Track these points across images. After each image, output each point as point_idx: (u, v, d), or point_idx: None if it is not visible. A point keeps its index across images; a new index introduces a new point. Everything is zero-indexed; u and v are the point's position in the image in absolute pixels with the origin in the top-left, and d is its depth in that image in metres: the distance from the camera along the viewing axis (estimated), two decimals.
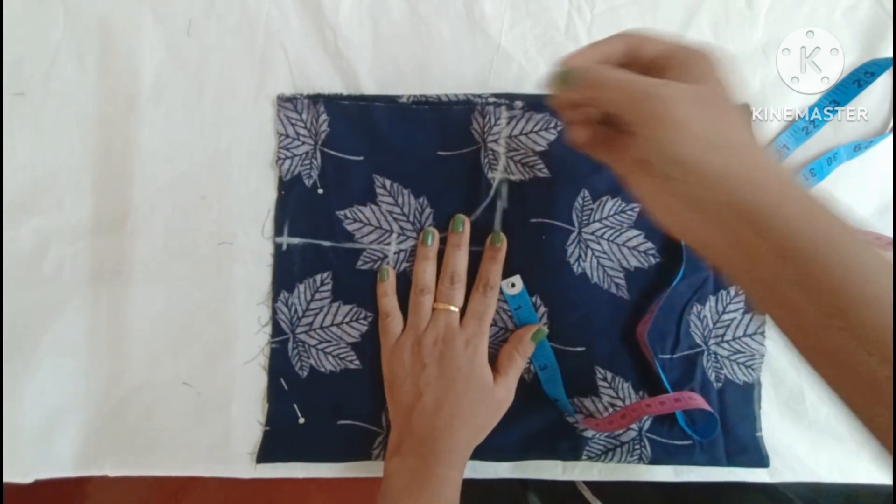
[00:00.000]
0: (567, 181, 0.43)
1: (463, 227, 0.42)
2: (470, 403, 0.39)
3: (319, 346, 0.43)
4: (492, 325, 0.42)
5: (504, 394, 0.41)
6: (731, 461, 0.42)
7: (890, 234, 0.43)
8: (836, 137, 0.44)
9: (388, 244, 0.43)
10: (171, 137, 0.43)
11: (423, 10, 0.44)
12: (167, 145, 0.43)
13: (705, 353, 0.43)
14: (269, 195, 0.43)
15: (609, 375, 0.42)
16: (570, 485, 0.44)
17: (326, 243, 0.43)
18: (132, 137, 0.43)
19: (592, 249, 0.43)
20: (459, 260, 0.42)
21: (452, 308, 0.41)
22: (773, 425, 0.43)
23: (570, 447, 0.42)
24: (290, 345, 0.43)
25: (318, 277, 0.43)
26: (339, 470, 0.43)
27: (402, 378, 0.40)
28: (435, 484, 0.37)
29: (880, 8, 0.44)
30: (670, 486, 0.43)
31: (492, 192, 0.43)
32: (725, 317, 0.43)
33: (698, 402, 0.41)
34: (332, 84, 0.44)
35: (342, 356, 0.43)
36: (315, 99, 0.43)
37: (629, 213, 0.43)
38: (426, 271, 0.42)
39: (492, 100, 0.43)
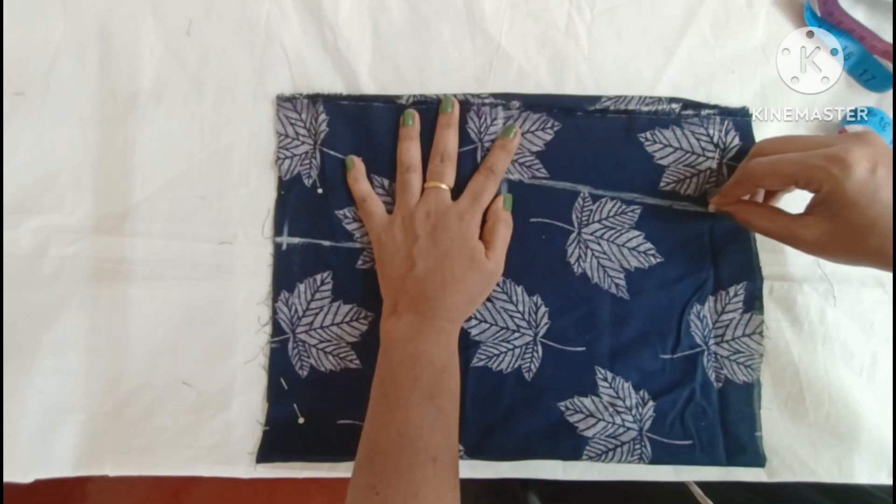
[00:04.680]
0: (566, 182, 0.43)
1: (452, 108, 0.42)
2: (462, 272, 0.39)
3: (320, 346, 0.43)
4: (492, 325, 0.42)
5: (494, 267, 0.40)
6: (730, 461, 0.42)
7: None
8: None
9: None
10: (171, 137, 0.43)
11: (423, 10, 0.44)
12: (167, 145, 0.43)
13: (705, 353, 0.43)
14: (269, 195, 0.43)
15: (609, 375, 0.42)
16: (572, 485, 0.44)
17: (326, 243, 0.43)
18: (132, 137, 0.43)
19: (592, 250, 0.43)
20: (450, 139, 0.42)
21: (443, 186, 0.41)
22: (773, 425, 0.43)
23: (571, 447, 0.42)
24: (290, 344, 0.43)
25: (319, 277, 0.43)
26: (339, 470, 0.43)
27: (393, 252, 0.40)
28: (433, 331, 0.37)
29: None
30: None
31: None
32: (725, 317, 0.43)
33: None
34: (332, 84, 0.44)
35: (342, 356, 0.43)
36: (314, 99, 0.43)
37: (629, 213, 0.43)
38: (410, 150, 0.42)
39: (489, 100, 0.43)
